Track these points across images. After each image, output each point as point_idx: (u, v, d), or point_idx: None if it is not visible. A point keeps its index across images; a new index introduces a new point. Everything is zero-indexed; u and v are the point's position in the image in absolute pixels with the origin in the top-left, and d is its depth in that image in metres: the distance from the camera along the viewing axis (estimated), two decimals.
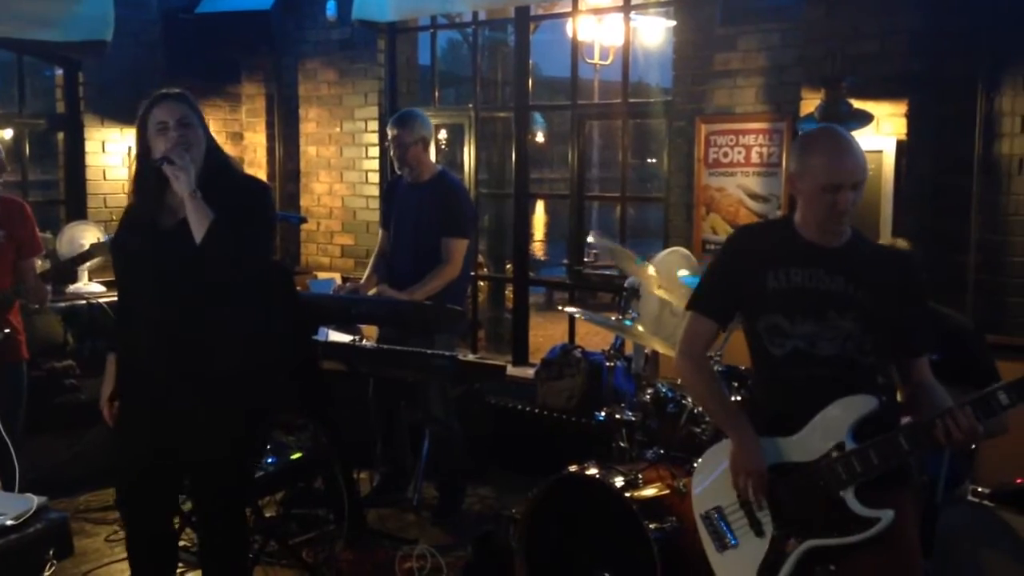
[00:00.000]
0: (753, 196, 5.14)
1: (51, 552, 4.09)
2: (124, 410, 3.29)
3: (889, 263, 2.79)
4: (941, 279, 4.39)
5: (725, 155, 5.23)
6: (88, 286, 5.85)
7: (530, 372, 5.94)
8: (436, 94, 7.23)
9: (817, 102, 4.57)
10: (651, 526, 3.37)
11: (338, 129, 6.99)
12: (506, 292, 9.24)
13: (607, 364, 4.60)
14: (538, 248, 17.34)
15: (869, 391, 2.68)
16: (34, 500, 3.37)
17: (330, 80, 6.99)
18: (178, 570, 3.56)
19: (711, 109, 5.29)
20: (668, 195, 5.60)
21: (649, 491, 3.54)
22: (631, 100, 6.02)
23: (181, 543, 3.93)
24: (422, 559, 4.29)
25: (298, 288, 4.47)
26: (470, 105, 6.77)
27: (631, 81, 6.14)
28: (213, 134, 3.32)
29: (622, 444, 4.00)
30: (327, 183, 7.11)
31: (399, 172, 5.01)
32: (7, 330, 4.23)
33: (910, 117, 4.50)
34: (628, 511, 3.43)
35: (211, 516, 3.29)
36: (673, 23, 5.59)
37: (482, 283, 8.98)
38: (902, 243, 3.59)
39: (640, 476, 3.58)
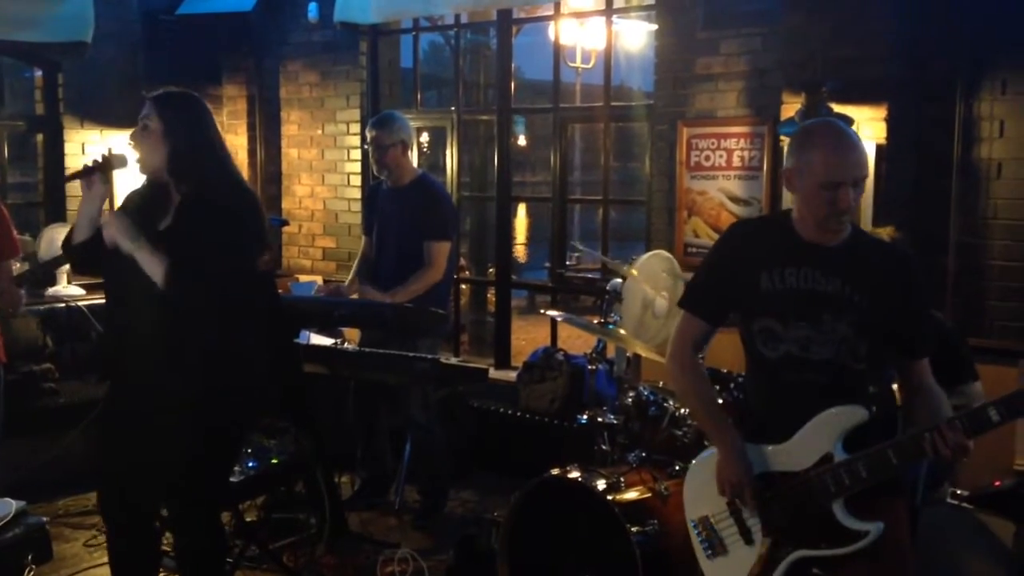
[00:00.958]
0: (734, 200, 5.16)
1: (30, 557, 4.07)
2: (105, 414, 3.27)
3: (890, 262, 2.66)
4: None
5: (707, 159, 5.25)
6: (67, 289, 5.81)
7: (512, 375, 5.94)
8: (418, 97, 7.21)
9: (798, 106, 4.59)
10: (633, 529, 3.38)
11: (320, 131, 6.98)
12: (488, 295, 9.24)
13: (589, 367, 4.61)
14: (520, 251, 17.34)
15: (860, 400, 2.60)
16: (12, 505, 3.36)
17: (312, 82, 6.97)
18: (159, 575, 3.54)
19: (693, 113, 5.30)
20: (650, 198, 5.61)
21: (631, 494, 3.54)
22: (613, 104, 6.03)
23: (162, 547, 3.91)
24: (404, 563, 4.27)
25: (280, 291, 4.46)
26: (452, 108, 6.77)
27: (613, 84, 6.15)
28: None
29: (604, 447, 4.00)
30: (309, 185, 7.09)
31: (379, 175, 5.00)
32: None
33: (890, 121, 4.53)
34: (610, 514, 3.43)
35: (183, 522, 3.26)
36: (655, 27, 5.60)
37: (464, 286, 8.98)
38: (889, 231, 3.57)
39: (622, 479, 3.59)
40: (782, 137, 4.76)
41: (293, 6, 6.85)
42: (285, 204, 7.21)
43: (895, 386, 2.81)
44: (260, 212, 3.26)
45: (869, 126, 4.55)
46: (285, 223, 6.45)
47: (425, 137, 9.02)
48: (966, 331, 4.16)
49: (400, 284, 4.73)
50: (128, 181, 3.44)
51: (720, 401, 3.52)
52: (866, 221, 4.49)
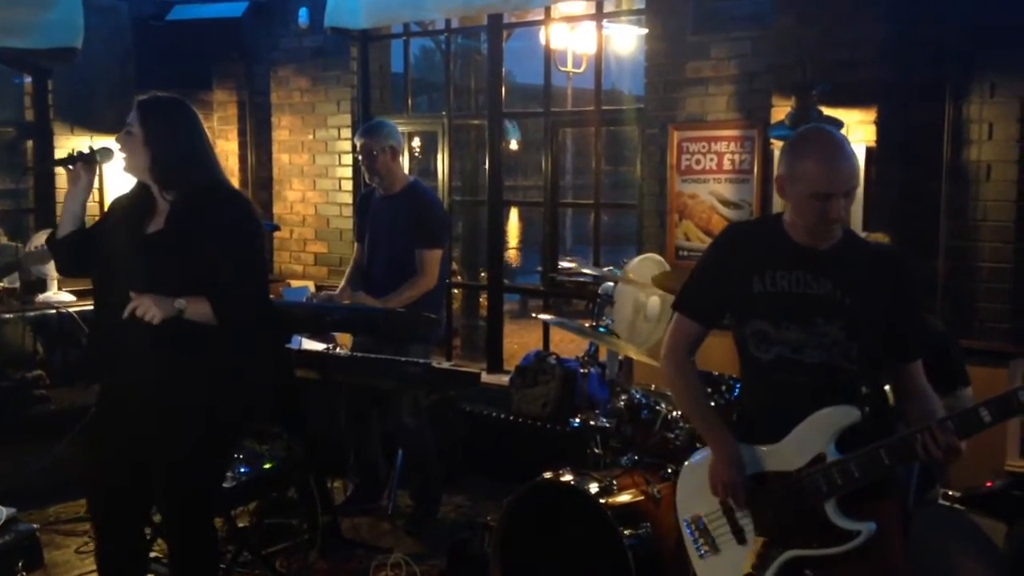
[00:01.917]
0: (725, 203, 5.17)
1: (20, 564, 4.06)
2: (99, 417, 3.26)
3: (881, 265, 2.69)
4: None
5: (697, 162, 5.26)
6: (58, 295, 5.79)
7: (505, 379, 5.94)
8: (409, 102, 7.22)
9: (788, 109, 4.60)
10: (626, 532, 3.38)
11: (311, 136, 6.97)
12: (480, 299, 9.23)
13: (581, 371, 4.61)
14: (512, 255, 17.34)
15: (852, 401, 2.62)
16: (3, 512, 3.35)
17: (302, 87, 6.97)
18: None
19: (683, 116, 5.31)
20: (641, 202, 5.62)
21: (624, 497, 3.54)
22: (604, 108, 6.05)
23: (152, 554, 3.90)
24: (397, 568, 4.27)
25: (272, 296, 4.45)
26: (443, 113, 6.77)
27: (604, 89, 6.17)
28: None
29: (596, 450, 4.01)
30: (300, 191, 7.08)
31: (370, 182, 5.00)
32: None
33: (880, 124, 4.55)
34: (603, 517, 3.43)
35: (177, 525, 3.25)
36: (645, 31, 5.61)
37: (456, 291, 8.98)
38: (881, 237, 3.59)
39: (615, 482, 3.59)
40: (772, 140, 4.77)
41: (283, 12, 6.85)
42: (276, 209, 7.20)
43: (887, 387, 2.82)
44: (257, 217, 3.29)
45: (859, 129, 4.57)
46: (276, 228, 6.45)
47: (416, 142, 9.01)
48: (956, 333, 4.17)
49: (391, 291, 4.73)
50: (119, 180, 3.43)
51: (712, 404, 3.54)
52: (856, 223, 4.50)
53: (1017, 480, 3.76)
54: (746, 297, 2.71)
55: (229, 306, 3.06)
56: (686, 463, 2.97)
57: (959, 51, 4.49)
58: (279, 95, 7.08)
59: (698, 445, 3.25)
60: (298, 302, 5.35)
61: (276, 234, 7.07)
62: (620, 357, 4.36)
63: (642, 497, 3.55)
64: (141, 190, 3.21)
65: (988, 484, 3.64)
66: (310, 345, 4.70)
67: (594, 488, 3.54)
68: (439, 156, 6.67)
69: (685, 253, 5.26)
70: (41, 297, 5.74)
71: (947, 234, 4.58)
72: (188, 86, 6.99)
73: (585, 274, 4.34)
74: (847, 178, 2.57)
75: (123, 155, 3.16)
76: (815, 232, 2.63)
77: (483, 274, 7.79)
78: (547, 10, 6.33)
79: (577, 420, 4.10)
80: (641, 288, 4.30)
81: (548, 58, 6.53)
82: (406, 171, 5.18)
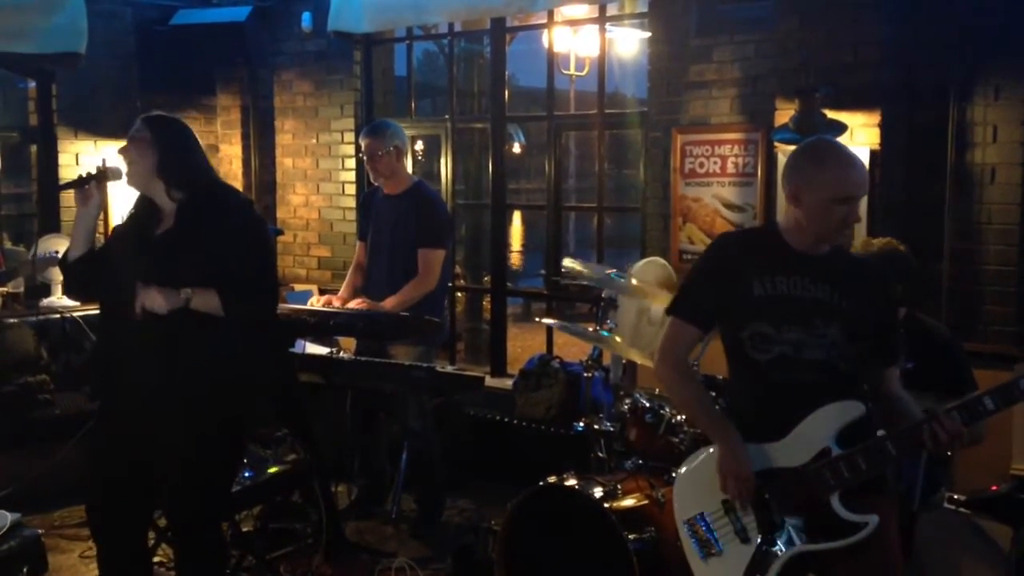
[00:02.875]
0: (729, 206, 5.16)
1: (25, 569, 4.07)
2: (101, 422, 3.26)
3: (869, 274, 2.84)
4: (915, 287, 4.42)
5: (701, 165, 5.26)
6: (62, 300, 5.79)
7: (508, 383, 5.94)
8: (412, 105, 7.23)
9: (791, 112, 4.60)
10: (630, 536, 3.37)
11: (314, 140, 6.98)
12: (484, 303, 9.23)
13: (585, 375, 4.59)
14: (515, 259, 17.34)
15: (855, 397, 2.71)
16: (8, 517, 3.35)
17: (306, 91, 6.97)
18: None
19: (686, 120, 5.31)
20: (645, 205, 5.62)
21: (628, 501, 3.54)
22: (607, 111, 6.04)
23: (156, 559, 3.90)
24: (401, 572, 4.27)
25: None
26: (447, 116, 6.78)
27: (607, 92, 6.16)
28: None
29: (601, 454, 4.00)
30: (303, 195, 7.08)
31: (375, 183, 5.01)
32: None
33: (883, 127, 4.54)
34: (607, 522, 3.43)
35: (186, 530, 3.25)
36: (648, 34, 5.61)
37: (460, 294, 8.98)
38: (890, 242, 3.60)
39: (619, 486, 3.59)
40: (776, 144, 4.77)
41: (287, 16, 6.86)
42: (280, 214, 7.21)
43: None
44: (260, 215, 3.33)
45: (862, 132, 4.56)
46: (280, 232, 6.45)
47: (420, 145, 9.02)
48: (960, 336, 4.16)
49: (392, 291, 4.73)
50: (122, 196, 3.45)
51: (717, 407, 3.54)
52: (859, 226, 4.49)
53: (1022, 483, 3.76)
54: (746, 301, 2.77)
55: (237, 297, 3.07)
56: (684, 464, 2.99)
57: (963, 54, 4.48)
58: (282, 99, 7.08)
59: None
60: (302, 306, 5.35)
61: (280, 238, 7.07)
62: (624, 361, 4.35)
63: (646, 501, 3.55)
64: (142, 204, 3.23)
65: (993, 488, 3.64)
66: (314, 349, 4.69)
67: (598, 492, 3.54)
68: (442, 160, 6.67)
69: (689, 256, 5.25)
70: (46, 302, 5.74)
71: (951, 237, 4.58)
72: (192, 90, 7.03)
73: (587, 276, 4.32)
74: (865, 182, 2.78)
75: (128, 164, 3.17)
76: (830, 237, 2.76)
77: (486, 278, 7.80)
78: (550, 13, 6.33)
79: (581, 424, 4.09)
80: (645, 292, 4.29)
81: (551, 61, 6.53)
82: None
